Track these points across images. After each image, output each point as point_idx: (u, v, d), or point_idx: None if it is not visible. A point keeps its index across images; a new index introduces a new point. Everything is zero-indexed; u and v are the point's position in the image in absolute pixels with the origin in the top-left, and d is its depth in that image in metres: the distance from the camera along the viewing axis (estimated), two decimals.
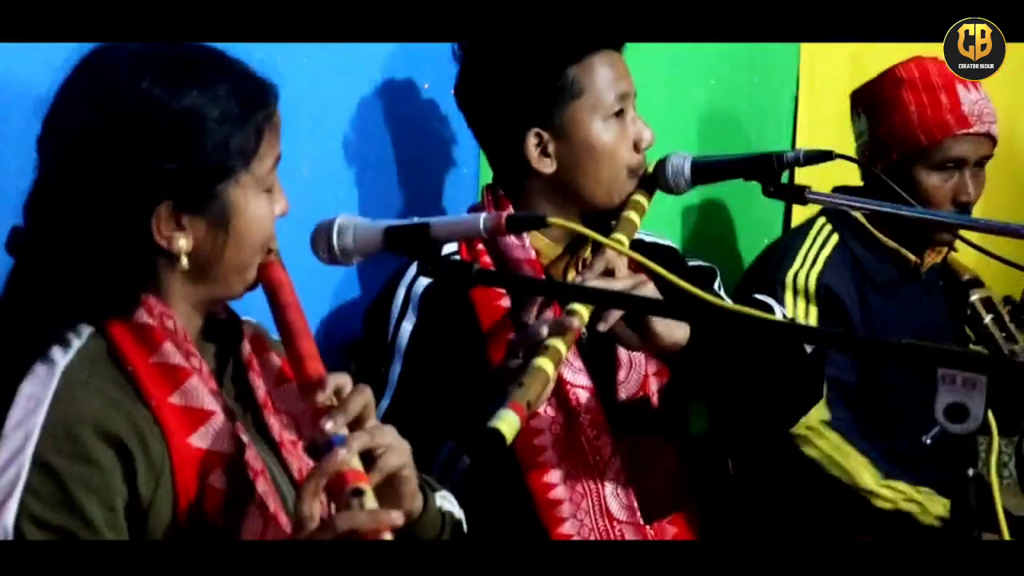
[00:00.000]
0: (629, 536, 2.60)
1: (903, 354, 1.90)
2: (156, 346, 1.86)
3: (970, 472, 1.82)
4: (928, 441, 1.88)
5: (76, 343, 1.83)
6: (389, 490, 1.80)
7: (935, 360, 1.82)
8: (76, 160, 1.83)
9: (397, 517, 1.70)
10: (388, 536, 1.68)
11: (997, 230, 3.19)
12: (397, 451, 1.83)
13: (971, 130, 3.24)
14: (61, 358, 1.80)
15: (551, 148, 2.61)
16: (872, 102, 3.34)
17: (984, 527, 1.91)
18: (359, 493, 1.70)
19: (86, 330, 1.84)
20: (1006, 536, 2.02)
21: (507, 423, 2.10)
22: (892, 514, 3.00)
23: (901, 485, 3.01)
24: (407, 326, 2.54)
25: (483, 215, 2.05)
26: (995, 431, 1.81)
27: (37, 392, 1.76)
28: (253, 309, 2.07)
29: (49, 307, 1.84)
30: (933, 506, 2.98)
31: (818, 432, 3.01)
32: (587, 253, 2.65)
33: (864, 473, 3.00)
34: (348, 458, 1.74)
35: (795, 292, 3.11)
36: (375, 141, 2.81)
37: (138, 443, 1.79)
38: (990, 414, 1.81)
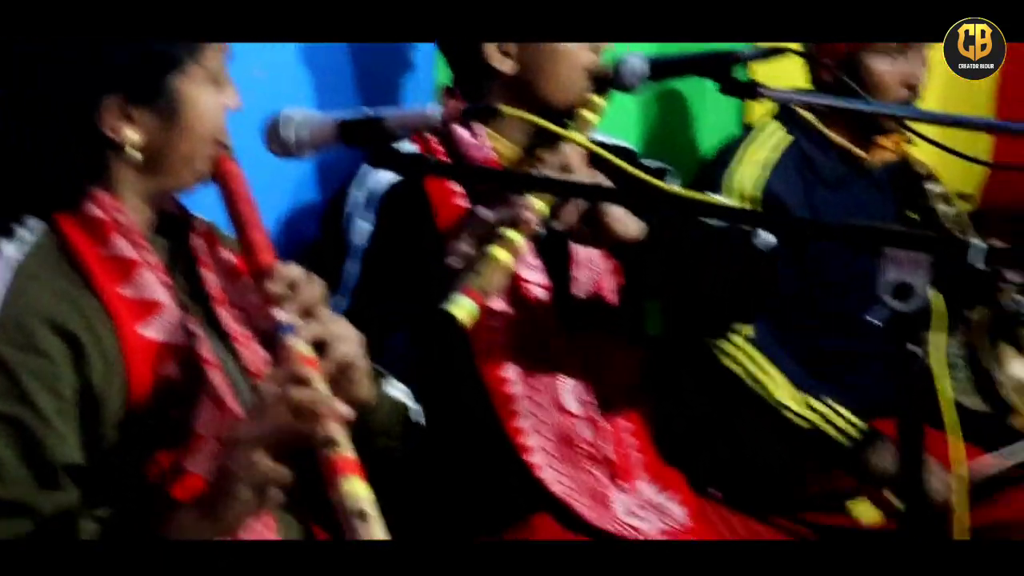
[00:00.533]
0: (583, 431, 2.60)
1: (850, 236, 1.90)
2: (106, 239, 1.85)
3: (914, 349, 1.82)
4: (875, 320, 1.89)
5: (27, 237, 1.83)
6: (341, 379, 1.79)
7: (882, 239, 1.82)
8: (26, 63, 1.82)
9: (341, 407, 1.70)
10: (338, 426, 1.68)
11: (947, 121, 3.20)
12: (348, 340, 1.84)
13: None
14: (12, 252, 1.80)
15: (511, 48, 2.60)
16: None
17: (928, 415, 1.92)
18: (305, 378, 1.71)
19: (35, 225, 1.84)
20: (949, 424, 2.03)
21: (463, 308, 2.12)
22: (811, 431, 2.98)
23: (816, 402, 2.99)
24: (365, 226, 2.53)
25: (434, 106, 2.04)
26: (941, 308, 1.81)
27: None
28: (207, 209, 2.05)
29: (1, 206, 1.85)
30: (850, 423, 2.97)
31: (740, 345, 3.00)
32: (546, 153, 2.63)
33: (777, 387, 2.99)
34: (299, 345, 1.75)
35: (741, 197, 3.10)
36: (326, 51, 2.79)
37: (89, 334, 1.79)
38: (937, 296, 1.82)
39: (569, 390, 2.62)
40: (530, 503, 2.54)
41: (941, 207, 3.40)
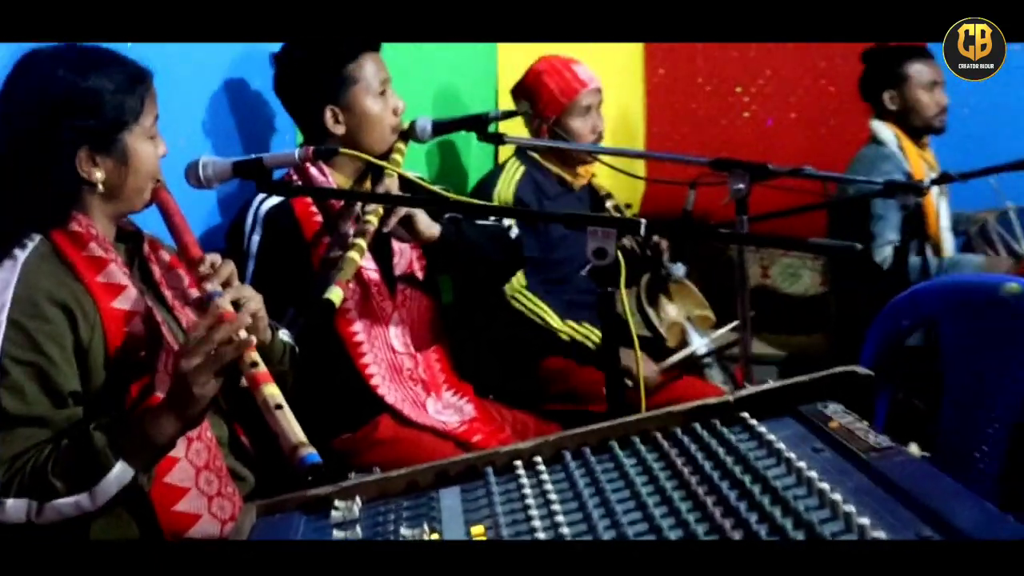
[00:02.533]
0: (406, 362, 2.62)
1: (571, 221, 1.94)
2: (85, 244, 1.84)
3: (609, 289, 1.88)
4: (584, 273, 1.94)
5: (30, 245, 1.80)
6: (250, 325, 1.78)
7: (588, 222, 1.88)
8: (21, 127, 1.79)
9: (245, 321, 1.74)
10: (252, 350, 1.68)
11: (617, 153, 3.30)
12: (254, 299, 1.84)
13: (590, 86, 3.29)
14: (20, 254, 1.78)
15: (341, 117, 2.57)
16: (526, 91, 3.32)
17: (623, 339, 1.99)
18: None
19: (36, 237, 1.82)
20: (636, 346, 2.11)
21: (335, 294, 2.15)
22: (569, 342, 3.06)
23: (573, 324, 3.08)
24: (256, 238, 2.49)
25: (297, 149, 2.03)
26: (622, 262, 1.87)
27: (6, 276, 1.74)
28: (151, 226, 2.04)
29: (9, 225, 1.82)
30: (592, 334, 3.05)
31: (521, 293, 3.07)
32: (368, 184, 2.64)
33: (549, 316, 3.06)
34: (224, 303, 1.74)
35: (500, 203, 3.15)
36: (224, 121, 2.73)
37: (77, 306, 1.77)
38: (621, 256, 1.89)
39: (395, 335, 2.60)
40: (374, 410, 2.54)
41: (615, 214, 3.46)
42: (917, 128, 3.81)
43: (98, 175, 1.83)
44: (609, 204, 3.44)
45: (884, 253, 3.51)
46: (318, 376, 2.36)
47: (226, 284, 1.83)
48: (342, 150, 2.22)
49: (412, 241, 2.56)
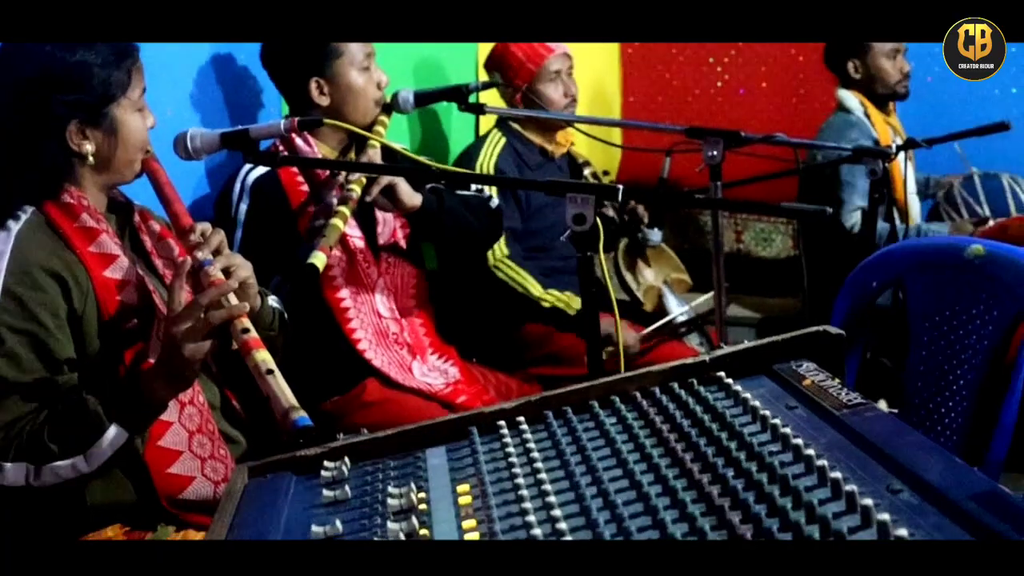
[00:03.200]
0: (391, 326, 2.61)
1: (551, 188, 1.94)
2: (77, 215, 1.82)
3: (588, 254, 1.88)
4: (564, 239, 1.94)
5: (23, 216, 1.79)
6: (240, 292, 1.77)
7: (567, 188, 1.87)
8: (11, 102, 1.78)
9: (233, 284, 1.74)
10: (244, 317, 1.67)
11: (595, 122, 3.28)
12: (244, 267, 1.83)
13: (556, 52, 3.26)
14: (14, 225, 1.77)
15: (326, 89, 2.56)
16: (496, 62, 3.29)
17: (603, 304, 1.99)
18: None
19: (29, 209, 1.80)
20: (615, 313, 2.11)
21: (319, 259, 2.17)
22: (551, 310, 3.06)
23: (555, 291, 3.07)
24: (243, 206, 2.47)
25: (282, 121, 2.01)
26: (600, 228, 1.87)
27: (0, 247, 1.72)
28: (141, 198, 2.02)
29: (4, 198, 1.80)
30: (573, 301, 3.05)
31: (503, 262, 3.05)
32: (352, 154, 2.62)
33: (531, 286, 3.05)
34: (214, 270, 1.73)
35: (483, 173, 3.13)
36: (212, 93, 2.70)
37: (70, 276, 1.76)
38: (599, 222, 1.88)
39: (381, 301, 2.59)
40: (361, 373, 2.54)
41: (593, 182, 3.46)
42: (882, 95, 3.81)
43: (88, 147, 1.81)
44: (587, 172, 3.43)
45: (853, 218, 3.52)
46: (307, 341, 2.35)
47: (216, 252, 1.81)
48: (327, 121, 2.20)
49: (394, 210, 2.56)
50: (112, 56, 1.81)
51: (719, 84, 4.71)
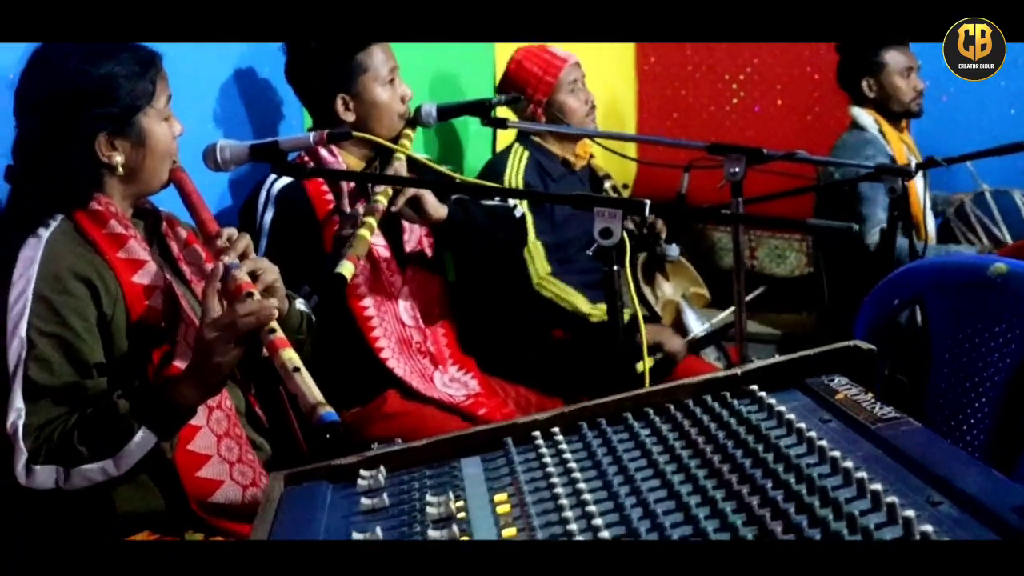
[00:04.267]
0: (414, 335, 2.62)
1: (578, 201, 1.95)
2: (105, 222, 1.84)
3: (615, 268, 1.89)
4: (590, 253, 1.95)
5: (53, 224, 1.81)
6: (268, 295, 1.78)
7: (595, 203, 1.89)
8: (41, 117, 1.80)
9: (272, 303, 1.72)
10: (274, 322, 1.68)
11: (618, 137, 3.28)
12: (271, 271, 1.84)
13: (570, 62, 3.27)
14: (44, 233, 1.78)
15: (351, 105, 2.57)
16: (512, 82, 3.28)
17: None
18: (250, 295, 1.71)
19: (59, 216, 1.82)
20: (638, 310, 2.11)
21: (347, 268, 2.17)
22: (600, 324, 3.04)
23: (602, 306, 3.06)
24: (268, 215, 2.49)
25: (312, 133, 2.04)
26: (627, 242, 1.88)
27: (31, 254, 1.75)
28: (168, 206, 2.04)
29: (35, 207, 1.82)
30: (624, 311, 3.04)
31: (548, 280, 3.04)
32: (377, 166, 2.63)
33: (580, 302, 3.04)
34: (241, 275, 1.74)
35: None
36: (235, 108, 2.73)
37: (99, 281, 1.78)
38: (626, 236, 1.89)
39: (405, 310, 2.61)
40: (383, 383, 2.54)
41: (613, 195, 3.47)
42: (896, 113, 3.81)
43: (117, 158, 1.84)
44: (607, 184, 3.44)
45: (876, 235, 3.51)
46: (329, 350, 2.36)
47: (243, 256, 1.82)
48: (355, 133, 2.22)
49: (420, 221, 2.57)
50: (136, 66, 1.84)
51: (734, 101, 4.72)
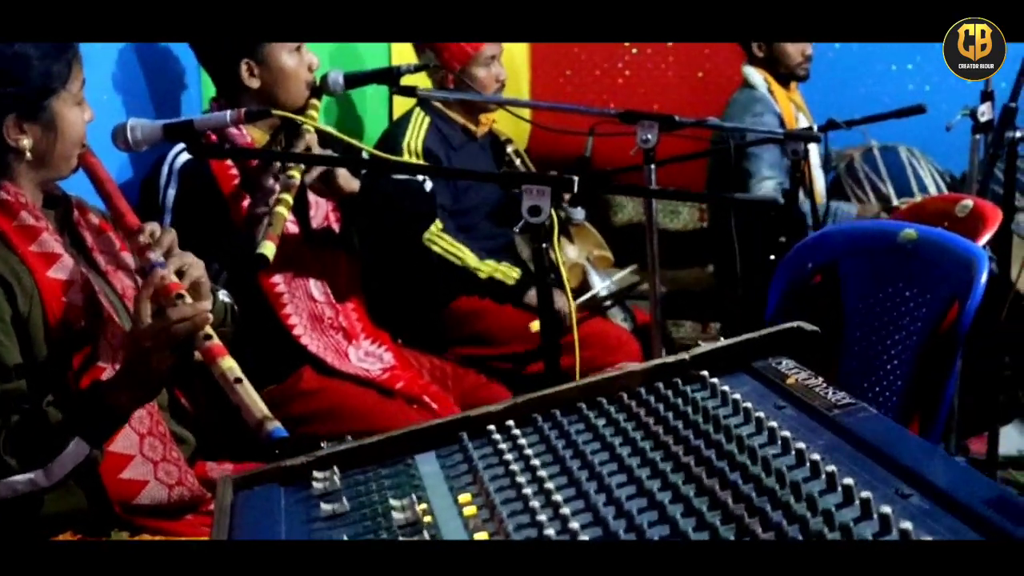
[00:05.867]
0: (326, 311, 2.56)
1: (506, 180, 1.92)
2: (15, 214, 1.73)
3: (544, 246, 1.88)
4: (516, 230, 1.93)
5: None
6: (195, 292, 1.71)
7: (524, 180, 1.86)
8: None
9: (205, 306, 1.65)
10: (207, 326, 1.62)
11: (527, 105, 3.26)
12: (196, 266, 1.76)
13: None
14: None
15: (256, 71, 2.48)
16: (433, 43, 3.24)
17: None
18: (181, 296, 1.64)
19: None
20: (567, 289, 2.10)
21: (268, 249, 2.12)
22: (488, 281, 3.03)
23: (491, 262, 3.05)
24: (171, 192, 2.39)
25: (228, 112, 1.96)
26: (556, 220, 1.87)
27: None
28: (75, 188, 1.94)
29: None
30: (511, 272, 3.04)
31: (439, 236, 3.02)
32: (281, 138, 2.55)
33: (468, 257, 3.03)
34: (169, 274, 1.66)
35: (410, 153, 3.08)
36: (134, 74, 2.61)
37: (14, 278, 1.68)
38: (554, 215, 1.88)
39: (315, 286, 2.55)
40: (298, 360, 2.49)
41: (515, 159, 3.45)
42: (783, 75, 3.89)
43: (25, 142, 1.73)
44: (510, 149, 3.42)
45: (763, 188, 3.58)
46: (242, 328, 2.30)
47: (168, 253, 1.75)
48: (275, 112, 2.14)
49: (330, 196, 2.50)
50: (51, 48, 1.73)
51: (626, 58, 4.73)
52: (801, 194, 3.42)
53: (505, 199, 3.24)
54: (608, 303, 3.29)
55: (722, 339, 1.46)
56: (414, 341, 2.96)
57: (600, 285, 3.30)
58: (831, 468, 1.09)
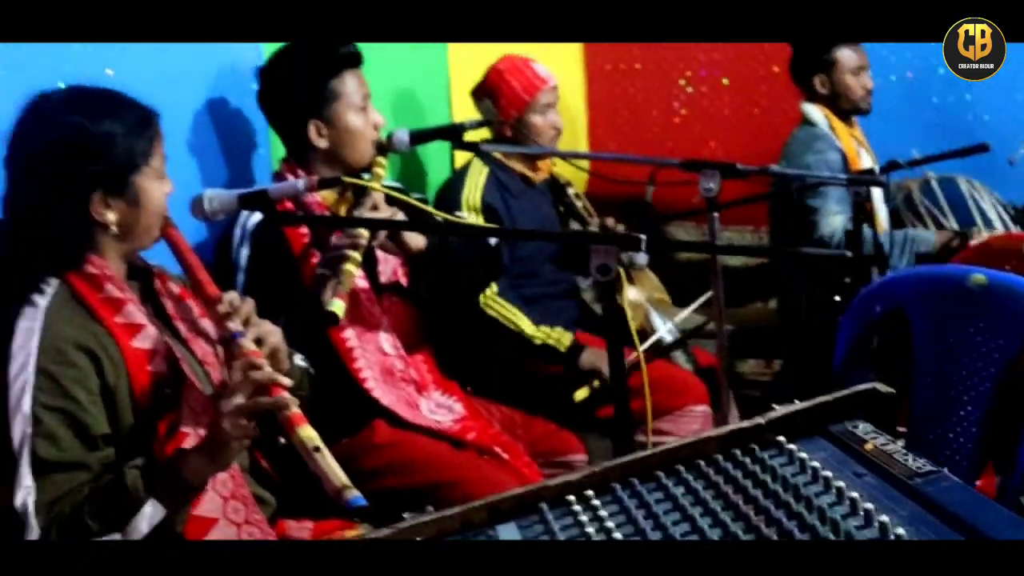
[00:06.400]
0: (396, 364, 2.58)
1: (572, 239, 1.93)
2: (101, 286, 1.78)
3: (614, 304, 1.88)
4: (585, 286, 1.94)
5: (49, 290, 1.74)
6: (273, 359, 1.75)
7: (591, 239, 1.87)
8: (35, 171, 1.73)
9: (286, 380, 1.68)
10: (285, 391, 1.65)
11: (589, 157, 3.27)
12: (275, 334, 1.80)
13: (549, 84, 3.26)
14: (41, 300, 1.72)
15: (324, 131, 2.54)
16: (489, 89, 3.27)
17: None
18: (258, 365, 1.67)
19: (54, 281, 1.75)
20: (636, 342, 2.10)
21: (338, 307, 2.14)
22: (542, 346, 3.03)
23: (545, 328, 3.05)
24: (244, 251, 2.44)
25: (301, 180, 2.00)
26: (623, 277, 1.87)
27: (29, 324, 1.68)
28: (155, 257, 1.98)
29: (27, 271, 1.75)
30: (564, 338, 3.03)
31: (493, 300, 3.03)
32: (349, 195, 2.59)
33: (523, 323, 3.03)
34: (247, 344, 1.69)
35: (469, 208, 3.11)
36: (210, 142, 2.69)
37: (101, 350, 1.72)
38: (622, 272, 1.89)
39: (385, 339, 2.57)
40: (369, 413, 2.51)
41: (576, 202, 3.47)
42: (845, 110, 3.86)
43: (111, 217, 1.78)
44: (570, 192, 3.44)
45: (830, 227, 3.53)
46: (314, 383, 2.33)
47: (247, 322, 1.78)
48: (346, 179, 2.18)
49: (400, 253, 2.54)
50: (135, 124, 1.79)
51: (682, 98, 4.73)
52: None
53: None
54: (670, 346, 3.28)
55: (796, 402, 1.46)
56: (483, 390, 2.96)
57: (662, 327, 3.29)
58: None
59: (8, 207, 1.76)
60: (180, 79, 2.45)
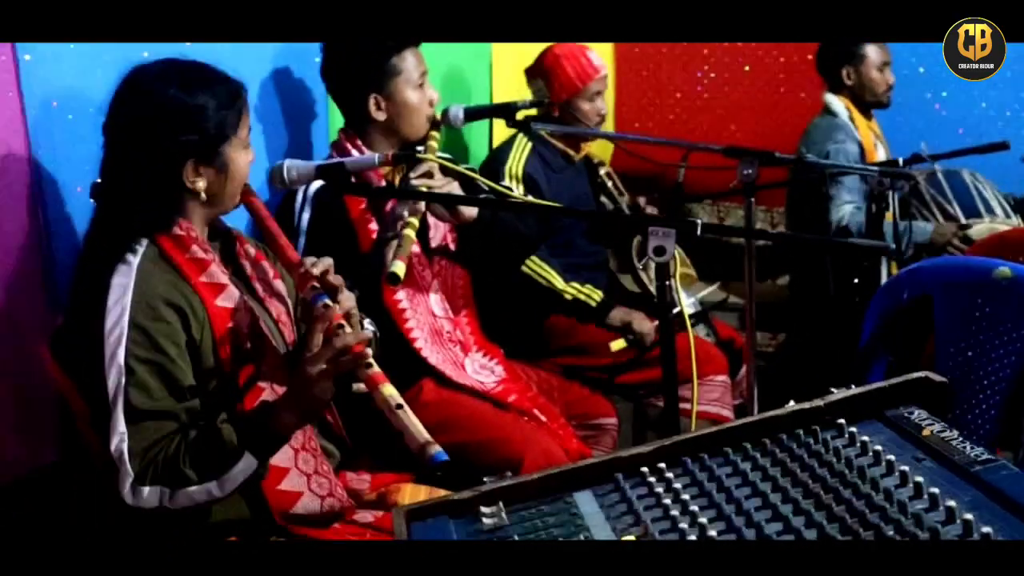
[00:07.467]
0: (445, 325, 2.59)
1: (631, 221, 1.93)
2: (187, 247, 1.78)
3: (668, 283, 1.88)
4: (640, 265, 1.93)
5: (140, 249, 1.74)
6: (349, 322, 1.75)
7: (650, 222, 1.87)
8: (133, 140, 1.73)
9: (366, 335, 1.71)
10: (369, 352, 1.66)
11: (632, 139, 3.27)
12: (349, 297, 1.81)
13: (601, 73, 3.24)
14: (133, 259, 1.72)
15: (383, 105, 2.52)
16: (544, 71, 3.23)
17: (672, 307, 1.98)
18: (341, 326, 1.68)
19: (145, 242, 1.75)
20: (683, 311, 2.11)
21: (400, 268, 2.15)
22: (572, 302, 3.04)
23: (576, 284, 3.05)
24: (306, 215, 2.44)
25: (377, 155, 1.99)
26: (678, 258, 1.87)
27: (123, 280, 1.69)
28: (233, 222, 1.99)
29: (121, 230, 1.75)
30: (594, 294, 3.04)
31: (534, 261, 3.03)
32: (403, 166, 2.57)
33: (555, 279, 3.04)
34: (333, 307, 1.70)
35: (511, 178, 3.10)
36: (274, 110, 2.68)
37: (187, 306, 1.73)
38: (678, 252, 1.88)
39: (435, 302, 2.58)
40: (418, 372, 2.52)
41: (608, 182, 3.47)
42: (867, 103, 3.85)
43: (201, 184, 1.78)
44: (603, 171, 3.44)
45: (841, 212, 3.54)
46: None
47: (327, 285, 1.78)
48: (419, 155, 2.16)
49: (451, 220, 2.53)
50: (226, 97, 1.78)
51: (705, 82, 4.71)
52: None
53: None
54: (692, 320, 3.28)
55: (853, 387, 1.46)
56: (517, 353, 2.97)
57: (687, 302, 3.29)
58: (986, 529, 1.09)
59: (106, 171, 1.76)
60: (247, 50, 2.42)
